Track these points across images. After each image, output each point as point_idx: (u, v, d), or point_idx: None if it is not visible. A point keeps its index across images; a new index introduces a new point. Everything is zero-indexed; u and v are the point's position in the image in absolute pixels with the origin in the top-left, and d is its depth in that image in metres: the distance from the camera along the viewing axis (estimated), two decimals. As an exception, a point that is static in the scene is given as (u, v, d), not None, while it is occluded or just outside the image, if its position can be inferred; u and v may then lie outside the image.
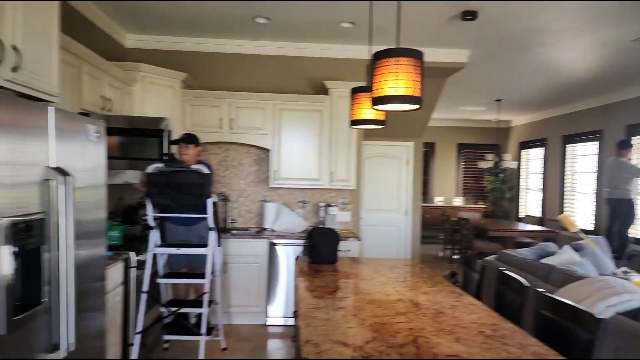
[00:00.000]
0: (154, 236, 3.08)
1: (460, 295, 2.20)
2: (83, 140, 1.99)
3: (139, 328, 2.94)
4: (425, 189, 9.63)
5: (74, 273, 1.78)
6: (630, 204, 5.33)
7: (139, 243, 3.21)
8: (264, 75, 4.39)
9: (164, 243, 3.24)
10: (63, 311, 1.72)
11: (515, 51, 4.32)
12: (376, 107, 1.80)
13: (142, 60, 3.91)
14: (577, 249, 3.96)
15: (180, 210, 3.08)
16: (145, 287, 2.99)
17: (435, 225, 8.91)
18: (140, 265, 3.05)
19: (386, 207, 5.88)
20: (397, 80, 1.66)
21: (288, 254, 3.92)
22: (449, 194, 9.68)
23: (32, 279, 1.61)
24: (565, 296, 2.25)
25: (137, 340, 2.93)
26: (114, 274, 2.71)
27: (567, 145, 7.48)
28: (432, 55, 4.31)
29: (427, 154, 9.54)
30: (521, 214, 8.92)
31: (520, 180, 9.04)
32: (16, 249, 1.48)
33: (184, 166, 3.01)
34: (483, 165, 7.88)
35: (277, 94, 4.15)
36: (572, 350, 1.64)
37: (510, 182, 9.20)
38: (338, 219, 4.24)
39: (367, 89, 2.37)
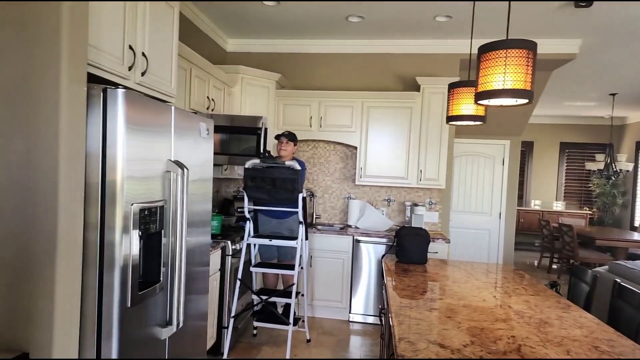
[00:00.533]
0: (249, 227, 3.29)
1: (568, 307, 2.01)
2: (196, 137, 2.20)
3: (233, 312, 3.18)
4: (520, 192, 8.93)
5: (185, 257, 1.98)
6: None
7: (233, 233, 3.46)
8: (353, 73, 4.43)
9: (257, 234, 3.45)
10: (175, 291, 1.93)
11: (633, 39, 3.80)
12: (480, 102, 1.72)
13: (241, 62, 4.20)
14: None
15: (273, 203, 3.25)
16: (240, 274, 3.22)
17: (530, 231, 8.24)
18: (235, 253, 3.29)
19: (477, 210, 5.58)
20: (506, 73, 1.57)
21: (371, 252, 3.92)
22: (547, 197, 8.86)
23: (153, 260, 1.83)
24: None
25: (231, 323, 3.16)
26: (214, 260, 2.96)
27: (700, 145, 6.39)
28: (539, 46, 3.97)
29: (525, 153, 8.83)
30: (636, 223, 7.84)
31: (637, 183, 7.93)
32: (140, 232, 1.69)
33: (278, 162, 3.17)
34: (591, 166, 7.07)
35: (366, 91, 4.17)
36: None
37: (624, 187, 8.13)
38: (425, 219, 4.13)
39: (466, 83, 2.27)
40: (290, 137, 3.52)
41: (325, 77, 4.48)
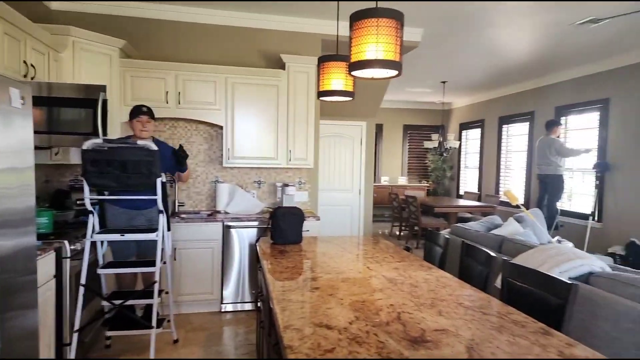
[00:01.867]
0: (92, 222, 2.75)
1: (430, 269, 2.20)
2: (5, 108, 1.67)
3: (77, 325, 2.63)
4: (373, 170, 9.78)
5: None
6: (560, 179, 5.77)
7: (72, 231, 2.87)
8: (214, 46, 4.08)
9: (105, 229, 2.92)
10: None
11: (466, 31, 4.40)
12: (354, 72, 1.68)
13: (73, 24, 3.44)
14: (518, 220, 4.21)
15: (123, 191, 2.78)
16: (83, 279, 2.68)
17: (382, 204, 9.11)
18: (76, 255, 2.72)
19: (340, 187, 5.86)
20: (378, 42, 1.55)
21: (243, 237, 3.74)
22: (394, 173, 9.92)
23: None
24: (519, 262, 2.34)
25: (75, 338, 2.62)
26: (45, 266, 2.38)
27: (502, 126, 7.92)
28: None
29: (376, 135, 9.65)
30: (461, 191, 9.40)
31: (460, 159, 9.48)
32: None
33: (128, 142, 2.69)
34: (428, 145, 8.13)
35: (231, 66, 3.88)
36: (543, 315, 1.68)
37: (451, 162, 9.62)
38: (296, 199, 4.12)
39: (336, 57, 2.24)
40: (152, 113, 3.06)
41: (184, 48, 4.02)
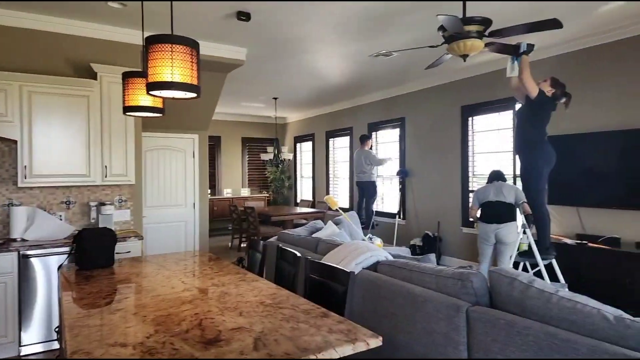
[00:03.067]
0: None
1: (245, 275, 2.35)
2: None
3: None
4: (213, 182, 9.67)
5: None
6: (374, 185, 6.78)
7: None
8: (6, 50, 3.49)
9: None
10: None
11: (286, 55, 4.82)
12: (152, 92, 1.72)
13: None
14: (337, 223, 4.80)
15: None
16: None
17: (224, 217, 9.08)
18: None
19: (172, 202, 5.63)
20: (173, 67, 1.63)
21: (49, 266, 3.28)
22: (236, 185, 10.02)
23: None
24: (328, 261, 2.71)
25: None
26: None
27: (329, 139, 8.85)
28: (212, 49, 4.36)
29: (214, 147, 9.59)
30: (298, 200, 10.08)
31: (296, 169, 10.18)
32: None
33: None
34: (265, 157, 8.49)
35: (28, 74, 3.39)
36: (332, 302, 2.00)
37: (288, 172, 10.24)
38: (115, 218, 3.81)
39: (141, 74, 2.22)
40: None
41: (-45, 47, 3.33)
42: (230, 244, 8.08)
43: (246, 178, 10.19)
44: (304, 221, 7.86)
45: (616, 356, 1.43)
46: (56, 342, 3.33)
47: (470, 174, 5.83)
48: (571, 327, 1.63)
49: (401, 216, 6.94)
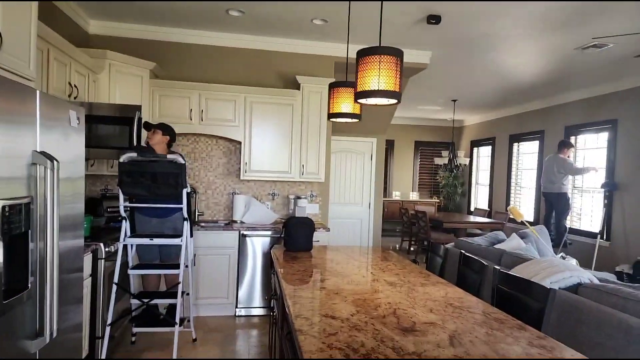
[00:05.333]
0: (126, 227, 3.05)
1: (429, 276, 2.41)
2: (65, 127, 1.98)
3: (109, 320, 2.92)
4: (384, 184, 10.00)
5: (58, 262, 1.78)
6: (566, 197, 5.90)
7: (105, 235, 3.17)
8: (234, 68, 4.42)
9: (136, 234, 3.22)
10: (47, 299, 1.72)
11: (471, 54, 4.65)
12: (359, 100, 1.94)
13: (108, 47, 3.82)
14: (522, 236, 4.37)
15: (154, 200, 3.07)
16: (117, 278, 2.97)
17: (393, 219, 9.29)
18: (109, 257, 3.02)
19: (351, 201, 6.10)
20: (380, 76, 1.81)
21: (257, 245, 4.00)
22: (405, 189, 10.11)
23: (19, 264, 1.61)
24: (515, 274, 2.53)
25: (107, 332, 2.90)
26: (85, 265, 2.67)
27: (513, 144, 8.07)
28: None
29: (387, 150, 9.90)
30: (471, 208, 9.51)
31: (471, 176, 9.63)
32: (2, 234, 1.47)
33: (160, 155, 3.00)
34: (439, 161, 8.32)
35: (249, 86, 4.21)
36: (525, 317, 1.88)
37: (462, 178, 9.77)
38: (307, 210, 4.37)
39: (344, 84, 2.51)
40: (160, 126, 3.30)
41: (206, 69, 4.37)
42: (398, 245, 8.22)
43: (417, 182, 10.17)
44: (479, 231, 7.39)
45: None
46: (257, 308, 4.02)
47: None
48: None
49: (604, 236, 5.84)
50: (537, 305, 1.88)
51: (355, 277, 2.31)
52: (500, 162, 8.45)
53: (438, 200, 9.90)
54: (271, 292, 3.25)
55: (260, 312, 4.03)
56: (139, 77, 3.84)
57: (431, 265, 2.95)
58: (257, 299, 4.03)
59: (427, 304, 1.86)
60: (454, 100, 7.37)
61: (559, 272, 2.59)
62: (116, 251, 3.04)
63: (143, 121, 3.36)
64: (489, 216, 8.30)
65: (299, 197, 4.29)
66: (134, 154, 2.93)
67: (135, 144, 3.33)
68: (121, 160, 2.89)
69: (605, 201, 5.90)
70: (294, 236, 2.90)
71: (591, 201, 6.31)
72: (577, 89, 6.21)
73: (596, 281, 2.56)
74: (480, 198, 9.34)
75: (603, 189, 5.91)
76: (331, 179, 5.99)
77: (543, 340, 1.49)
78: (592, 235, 6.02)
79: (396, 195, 9.92)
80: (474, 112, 8.68)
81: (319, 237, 3.98)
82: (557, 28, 3.78)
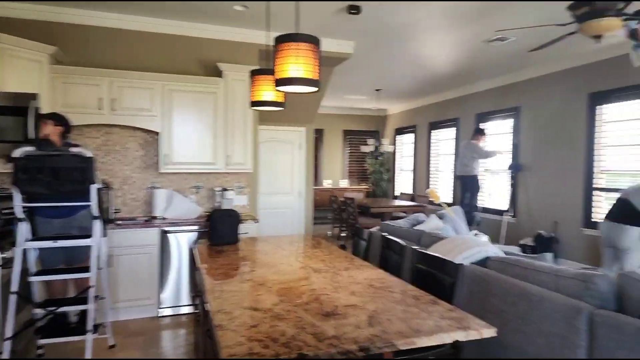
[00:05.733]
0: (23, 229, 2.73)
1: (353, 260, 2.48)
2: None
3: (9, 333, 2.61)
4: (315, 173, 10.11)
5: None
6: (476, 179, 6.43)
7: (1, 240, 2.82)
8: (151, 54, 4.12)
9: (36, 237, 2.89)
10: None
11: (392, 45, 4.82)
12: (279, 88, 1.91)
13: (2, 31, 3.35)
14: (440, 217, 4.68)
15: (56, 198, 2.78)
16: (15, 286, 2.65)
17: (324, 207, 9.44)
18: (6, 263, 2.69)
19: (281, 191, 6.07)
20: (298, 63, 1.79)
21: (181, 241, 3.82)
22: (335, 177, 10.32)
23: None
24: (434, 253, 2.70)
25: (7, 347, 2.59)
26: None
27: (432, 131, 8.58)
28: (322, 44, 4.56)
29: (316, 139, 10.00)
30: (397, 192, 10.00)
31: (396, 162, 10.09)
32: None
33: (62, 149, 2.71)
34: (365, 149, 8.58)
35: (168, 74, 3.96)
36: (439, 291, 2.01)
37: (387, 165, 10.20)
38: (235, 202, 4.27)
39: (266, 71, 2.46)
40: (50, 115, 2.97)
41: (119, 55, 4.02)
42: (330, 232, 8.39)
43: (346, 170, 10.42)
44: (403, 214, 7.78)
45: None
46: (184, 307, 3.86)
47: (595, 170, 5.19)
48: None
49: (511, 213, 6.47)
50: (449, 280, 2.02)
51: (282, 266, 2.30)
52: (421, 149, 8.94)
53: (367, 187, 10.24)
54: (197, 288, 3.14)
55: (189, 310, 3.88)
56: (37, 63, 3.43)
57: (357, 250, 3.04)
58: (185, 297, 3.86)
59: (350, 287, 1.91)
60: (378, 90, 7.62)
61: (469, 248, 2.80)
62: (14, 257, 2.71)
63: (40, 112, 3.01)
64: (413, 200, 8.78)
65: (225, 189, 4.17)
66: (32, 148, 2.62)
67: (34, 136, 2.98)
68: (15, 155, 2.57)
69: (512, 181, 6.52)
70: (219, 229, 2.82)
71: (498, 181, 6.94)
72: (486, 79, 6.74)
73: (502, 254, 2.81)
74: (404, 183, 9.83)
75: (509, 170, 6.52)
76: (260, 169, 5.90)
77: (453, 312, 1.60)
78: (501, 212, 6.64)
79: (327, 183, 10.09)
80: (397, 101, 9.06)
81: (247, 228, 3.91)
82: (467, 21, 4.05)
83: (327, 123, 10.10)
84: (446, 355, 1.14)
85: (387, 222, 4.29)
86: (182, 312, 3.86)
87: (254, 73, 2.48)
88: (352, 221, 7.24)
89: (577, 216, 5.38)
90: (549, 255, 2.98)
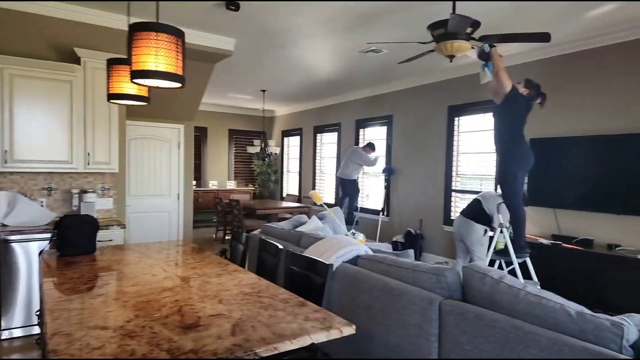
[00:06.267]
0: None
1: (227, 265, 2.39)
2: None
3: None
4: (198, 174, 9.64)
5: None
6: (356, 183, 6.87)
7: None
8: (-17, 29, 3.43)
9: None
10: None
11: (274, 47, 4.83)
12: (135, 81, 1.73)
13: None
14: (321, 218, 4.84)
15: None
16: None
17: (209, 209, 9.06)
18: None
19: (156, 192, 5.61)
20: (158, 55, 1.64)
21: (31, 252, 3.26)
22: (222, 177, 9.99)
23: None
24: (310, 254, 2.76)
25: None
26: None
27: (317, 134, 8.88)
28: (200, 38, 4.34)
29: (200, 138, 9.54)
30: (284, 194, 10.10)
31: (283, 164, 10.20)
32: None
33: None
34: (252, 150, 8.48)
35: (8, 56, 3.34)
36: (310, 293, 2.05)
37: (275, 166, 10.25)
38: (97, 206, 3.79)
39: (126, 61, 2.21)
40: None
41: None
42: (214, 235, 8.08)
43: (232, 170, 10.17)
44: (289, 215, 7.89)
45: (575, 348, 1.51)
46: (37, 326, 3.31)
47: (454, 174, 5.94)
48: (535, 320, 1.72)
49: (385, 213, 7.03)
50: (320, 280, 2.08)
51: (145, 277, 2.10)
52: (307, 151, 9.19)
53: (254, 188, 10.13)
54: (38, 309, 2.69)
55: (37, 329, 3.31)
56: None
57: (234, 254, 2.95)
58: (32, 315, 3.29)
59: (218, 295, 1.82)
60: (264, 91, 7.59)
61: (343, 247, 2.93)
62: None
63: None
64: (299, 201, 8.97)
65: (85, 192, 3.67)
66: None
67: None
68: None
69: (385, 183, 7.09)
70: (70, 238, 2.46)
71: (375, 183, 7.49)
72: (363, 87, 7.21)
73: (371, 252, 3.01)
74: (291, 184, 9.98)
75: (383, 173, 7.08)
76: (131, 169, 5.38)
77: (318, 313, 1.63)
78: (377, 212, 7.17)
79: (213, 184, 9.70)
80: (284, 103, 9.16)
81: (112, 235, 3.50)
82: (343, 31, 4.26)
83: (211, 121, 9.72)
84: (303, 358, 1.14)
85: (270, 224, 4.27)
86: (36, 332, 3.29)
87: (112, 62, 2.22)
88: (238, 224, 7.07)
89: (439, 215, 6.08)
90: (410, 252, 3.28)
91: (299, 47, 4.81)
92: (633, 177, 3.93)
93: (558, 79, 4.61)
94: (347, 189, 6.90)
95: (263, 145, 8.17)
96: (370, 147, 6.90)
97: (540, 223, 4.74)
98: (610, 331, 1.48)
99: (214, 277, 2.13)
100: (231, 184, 9.95)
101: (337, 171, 7.79)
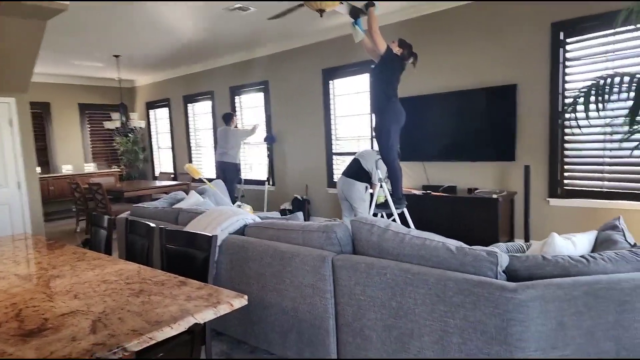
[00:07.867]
0: None
1: (84, 254, 1.98)
2: None
3: None
4: (45, 158, 8.14)
5: None
6: (237, 167, 6.53)
7: None
8: None
9: None
10: None
11: (124, 2, 4.13)
12: None
13: None
14: (201, 192, 4.49)
15: None
16: None
17: (65, 198, 7.79)
18: None
19: (-17, 182, 4.50)
20: None
21: None
22: (77, 161, 8.62)
23: None
24: (190, 229, 2.48)
25: None
26: None
27: (188, 105, 8.19)
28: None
29: (42, 115, 8.01)
30: (156, 172, 9.22)
31: (152, 139, 9.24)
32: None
33: None
34: (109, 125, 7.44)
35: None
36: (193, 269, 1.82)
37: (142, 143, 9.23)
38: None
39: None
40: None
41: None
42: (76, 227, 6.99)
43: (89, 151, 8.84)
44: (166, 195, 7.22)
45: (457, 280, 1.60)
46: None
47: (333, 137, 6.05)
48: (421, 261, 1.79)
49: (270, 182, 6.91)
50: (202, 255, 1.85)
51: (-36, 284, 1.60)
52: (179, 124, 8.45)
53: (120, 170, 8.99)
54: None
55: None
56: None
57: (96, 241, 2.50)
58: None
59: (72, 290, 1.47)
60: (117, 56, 6.60)
61: (227, 218, 2.71)
62: None
63: None
64: (175, 179, 8.27)
65: None
66: None
67: None
68: None
69: (268, 152, 6.93)
70: None
71: (258, 153, 7.28)
72: (235, 51, 6.79)
73: (259, 220, 2.85)
74: (164, 162, 9.14)
75: (265, 142, 6.90)
76: (-57, 156, 4.20)
77: (202, 290, 1.43)
78: (262, 182, 7.01)
79: (67, 169, 8.30)
80: (145, 71, 8.17)
81: None
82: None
83: (56, 95, 8.20)
84: (181, 345, 0.95)
85: (140, 204, 3.79)
86: None
87: None
88: (103, 210, 6.20)
89: (323, 178, 6.20)
90: (300, 214, 3.22)
91: (153, 5, 4.20)
92: (480, 129, 4.48)
93: (419, 40, 4.95)
94: (227, 173, 6.44)
95: (123, 119, 7.21)
96: (230, 117, 6.51)
97: (412, 176, 5.16)
98: (486, 260, 1.60)
99: (67, 269, 1.74)
100: (90, 167, 8.67)
101: (216, 143, 7.33)
